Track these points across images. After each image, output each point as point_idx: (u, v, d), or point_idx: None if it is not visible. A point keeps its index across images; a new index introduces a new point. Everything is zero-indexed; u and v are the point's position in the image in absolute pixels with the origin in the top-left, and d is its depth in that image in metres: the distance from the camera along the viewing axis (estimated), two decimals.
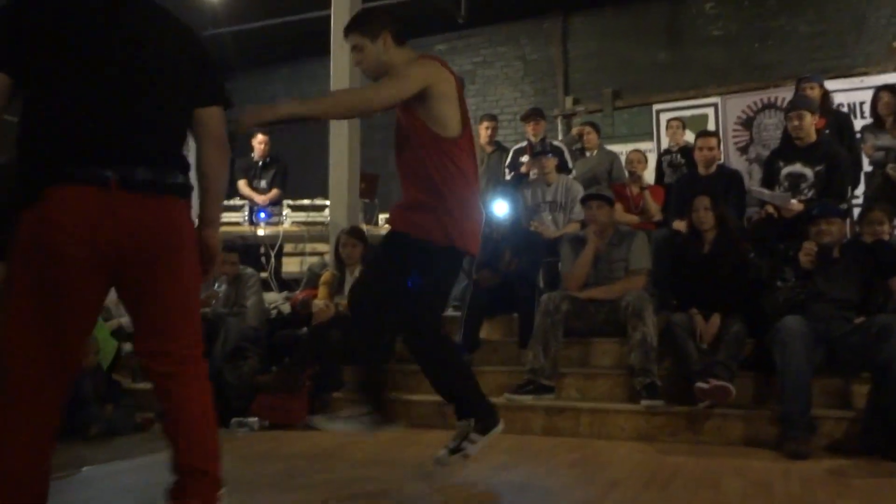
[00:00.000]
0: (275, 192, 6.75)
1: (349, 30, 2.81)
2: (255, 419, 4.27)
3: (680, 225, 4.85)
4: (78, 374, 4.04)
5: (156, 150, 1.90)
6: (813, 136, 4.64)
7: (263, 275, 6.05)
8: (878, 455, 3.24)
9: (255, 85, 10.00)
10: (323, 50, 5.90)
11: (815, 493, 2.71)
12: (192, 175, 2.00)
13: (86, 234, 1.77)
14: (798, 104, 4.72)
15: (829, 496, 2.67)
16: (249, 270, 5.12)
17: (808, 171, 4.59)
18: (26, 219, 1.78)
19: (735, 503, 2.58)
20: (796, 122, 4.63)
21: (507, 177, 6.42)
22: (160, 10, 2.01)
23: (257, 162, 6.95)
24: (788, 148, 4.76)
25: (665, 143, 6.93)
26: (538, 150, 5.97)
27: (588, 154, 6.47)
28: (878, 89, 5.49)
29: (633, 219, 5.45)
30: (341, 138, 5.65)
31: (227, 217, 6.57)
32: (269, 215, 6.45)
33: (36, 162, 1.80)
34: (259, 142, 6.94)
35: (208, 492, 1.97)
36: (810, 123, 4.63)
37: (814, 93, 5.32)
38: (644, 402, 3.86)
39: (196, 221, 2.07)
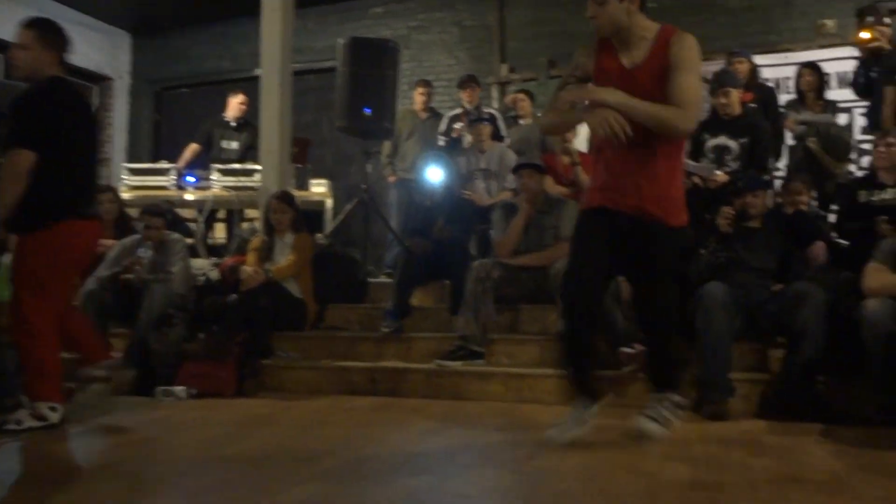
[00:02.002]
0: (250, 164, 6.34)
1: None
2: (182, 388, 4.18)
3: None
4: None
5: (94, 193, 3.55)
6: (738, 110, 4.75)
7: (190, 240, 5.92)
8: (792, 416, 3.38)
9: (184, 44, 9.69)
10: (254, 9, 5.73)
11: (731, 453, 2.82)
12: None
13: (84, 248, 3.49)
14: (724, 82, 4.81)
15: (744, 455, 2.78)
16: (176, 236, 4.99)
17: (733, 144, 4.70)
18: (52, 236, 3.24)
19: (655, 462, 2.66)
20: (724, 100, 4.73)
21: (441, 143, 6.39)
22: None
23: (229, 122, 6.68)
24: (714, 121, 4.86)
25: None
26: (474, 118, 5.96)
27: (522, 122, 6.49)
28: (801, 67, 5.66)
29: (564, 190, 5.49)
30: (272, 101, 5.52)
31: (153, 181, 6.39)
32: (197, 179, 6.27)
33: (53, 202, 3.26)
34: (240, 102, 6.66)
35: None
36: (736, 99, 4.74)
37: (742, 67, 5.44)
38: None
39: None
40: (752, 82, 5.53)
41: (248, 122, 6.61)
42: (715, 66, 7.00)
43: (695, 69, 2.75)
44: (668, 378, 3.01)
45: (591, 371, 3.02)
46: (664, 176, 2.82)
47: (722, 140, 4.74)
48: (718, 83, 4.83)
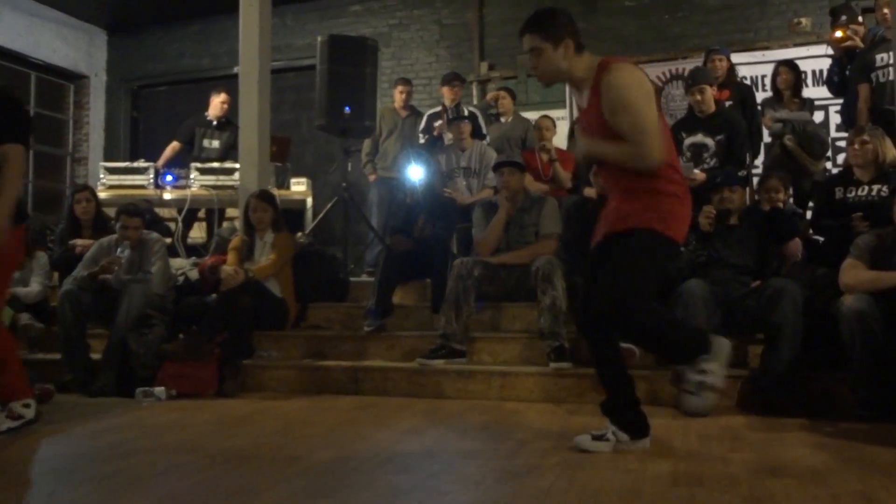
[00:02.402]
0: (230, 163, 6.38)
1: (529, 30, 2.73)
2: (162, 389, 4.15)
3: (591, 191, 4.95)
4: None
5: None
6: (713, 107, 4.81)
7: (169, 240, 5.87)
8: (770, 411, 3.42)
9: (162, 42, 9.60)
10: (232, 7, 5.68)
11: (711, 448, 2.84)
12: None
13: None
14: (699, 79, 4.87)
15: (723, 450, 2.81)
16: (154, 235, 4.94)
17: (710, 141, 4.77)
18: (20, 234, 3.25)
19: (637, 458, 2.67)
20: (698, 97, 4.79)
21: (421, 141, 6.39)
22: None
23: (211, 121, 6.65)
24: (690, 119, 4.92)
25: (577, 112, 7.00)
26: (454, 116, 5.96)
27: (503, 119, 6.50)
28: (778, 65, 5.71)
29: (544, 187, 5.52)
30: (251, 100, 5.48)
31: (130, 180, 6.33)
32: (175, 178, 6.23)
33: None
34: (222, 101, 6.62)
35: None
36: (710, 96, 4.80)
37: (722, 64, 5.49)
38: (552, 365, 3.94)
39: None
40: (730, 80, 5.58)
41: (229, 122, 6.59)
42: (691, 63, 7.09)
43: (630, 103, 2.62)
44: (611, 407, 2.84)
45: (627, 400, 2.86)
46: (639, 192, 2.70)
47: (699, 138, 4.79)
48: (693, 80, 4.88)
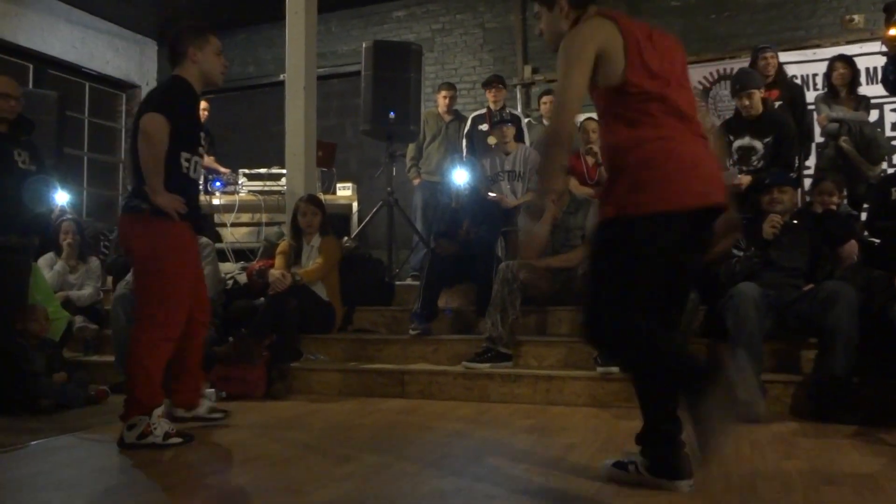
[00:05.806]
0: (212, 158, 6.68)
1: None
2: (212, 390, 4.21)
3: None
4: (28, 346, 3.98)
5: None
6: (760, 109, 4.70)
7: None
8: (824, 418, 3.34)
9: None
10: (279, 15, 5.77)
11: (763, 455, 2.79)
12: None
13: None
14: (747, 83, 4.76)
15: (776, 457, 2.75)
16: (204, 240, 5.02)
17: (758, 144, 4.68)
18: None
19: None
20: (746, 102, 4.69)
21: (464, 144, 6.41)
22: None
23: None
24: (737, 121, 4.83)
25: None
26: (497, 119, 5.96)
27: (546, 122, 6.46)
28: (833, 59, 5.54)
29: (589, 191, 5.47)
30: (297, 106, 5.56)
31: None
32: (223, 184, 6.35)
33: None
34: (202, 108, 6.80)
35: None
36: (758, 99, 4.70)
37: (773, 62, 5.37)
38: (599, 369, 3.91)
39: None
40: (780, 79, 5.45)
41: (207, 131, 6.78)
42: (739, 63, 6.96)
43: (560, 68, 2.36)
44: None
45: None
46: (618, 154, 2.38)
47: (746, 141, 4.72)
48: (741, 86, 4.77)
